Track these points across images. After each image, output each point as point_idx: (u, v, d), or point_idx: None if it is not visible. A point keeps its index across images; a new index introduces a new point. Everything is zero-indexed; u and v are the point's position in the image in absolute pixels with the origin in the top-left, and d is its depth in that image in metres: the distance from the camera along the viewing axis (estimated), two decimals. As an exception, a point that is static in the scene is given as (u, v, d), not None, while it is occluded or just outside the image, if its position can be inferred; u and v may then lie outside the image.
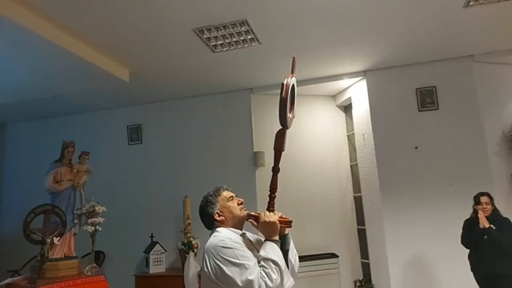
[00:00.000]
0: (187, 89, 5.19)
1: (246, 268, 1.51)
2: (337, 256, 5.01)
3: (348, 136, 5.59)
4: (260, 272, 1.53)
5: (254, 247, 1.73)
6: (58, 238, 3.73)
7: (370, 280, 4.85)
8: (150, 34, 3.60)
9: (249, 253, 1.59)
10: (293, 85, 1.78)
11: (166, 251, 4.87)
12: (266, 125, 5.20)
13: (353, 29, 3.76)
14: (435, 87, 4.64)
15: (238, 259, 1.54)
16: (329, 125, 5.62)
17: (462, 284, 3.97)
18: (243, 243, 1.65)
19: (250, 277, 1.49)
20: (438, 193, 4.42)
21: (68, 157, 4.13)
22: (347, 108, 5.63)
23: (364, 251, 5.12)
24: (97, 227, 3.88)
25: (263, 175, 4.99)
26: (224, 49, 3.94)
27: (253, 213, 1.78)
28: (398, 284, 4.34)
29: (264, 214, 1.71)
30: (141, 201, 5.32)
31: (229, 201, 1.82)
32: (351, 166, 5.50)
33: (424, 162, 4.53)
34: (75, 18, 3.28)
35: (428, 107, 4.64)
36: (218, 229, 1.77)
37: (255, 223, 1.73)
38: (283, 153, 1.82)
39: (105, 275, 3.87)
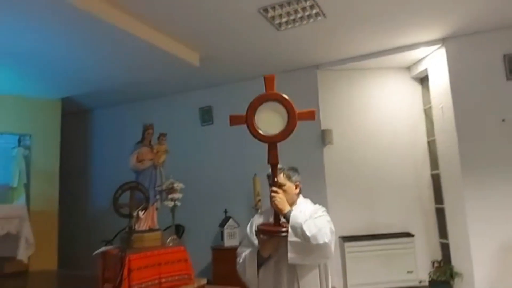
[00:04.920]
0: (254, 70, 5.23)
1: (241, 245, 2.17)
2: (413, 236, 4.81)
3: (425, 110, 5.23)
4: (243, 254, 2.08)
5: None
6: (143, 212, 4.09)
7: (449, 261, 4.60)
8: (218, 18, 3.69)
9: (251, 239, 2.11)
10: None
11: (239, 225, 5.08)
12: (334, 102, 5.08)
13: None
14: (527, 51, 4.12)
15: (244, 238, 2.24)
16: (404, 99, 5.29)
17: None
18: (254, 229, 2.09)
19: (239, 251, 2.13)
20: (530, 170, 3.99)
21: (148, 138, 4.42)
22: (423, 80, 5.25)
23: (442, 231, 4.85)
24: (176, 202, 4.18)
25: (331, 153, 4.89)
26: (289, 26, 3.89)
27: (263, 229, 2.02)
28: (483, 267, 4.06)
29: (264, 243, 1.98)
30: (214, 179, 5.60)
31: None
32: (428, 142, 5.17)
33: (513, 136, 4.09)
34: (150, 9, 3.48)
35: (519, 74, 4.15)
36: None
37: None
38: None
39: (185, 246, 4.18)
